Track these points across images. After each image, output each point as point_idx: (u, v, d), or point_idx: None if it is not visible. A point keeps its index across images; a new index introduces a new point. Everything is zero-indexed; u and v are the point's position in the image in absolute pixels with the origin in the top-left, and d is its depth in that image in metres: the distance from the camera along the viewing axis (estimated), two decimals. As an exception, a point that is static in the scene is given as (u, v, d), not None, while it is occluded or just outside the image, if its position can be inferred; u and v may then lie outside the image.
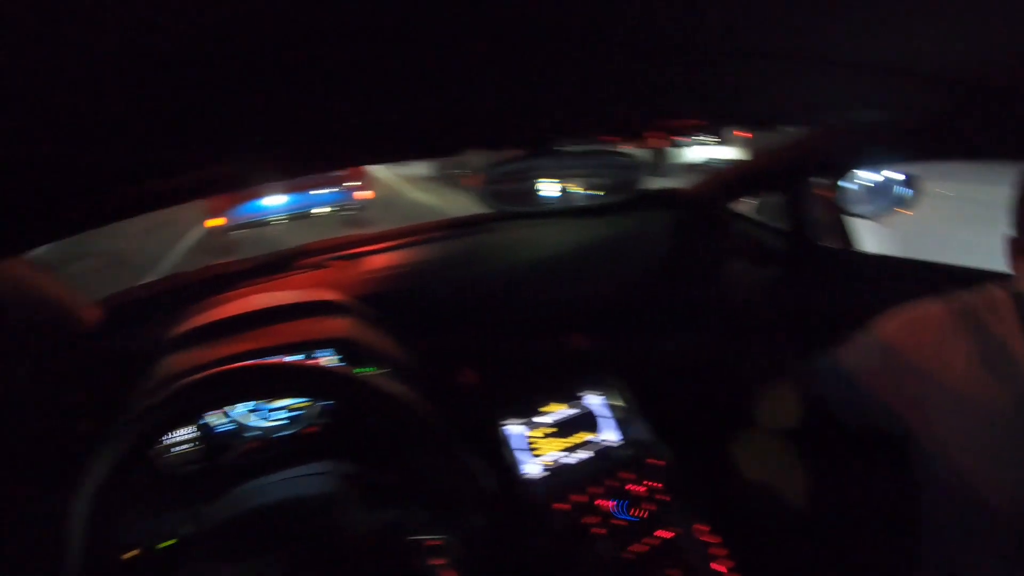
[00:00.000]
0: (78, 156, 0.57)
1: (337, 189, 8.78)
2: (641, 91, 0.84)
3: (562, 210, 1.79)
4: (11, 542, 1.26)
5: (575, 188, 1.42)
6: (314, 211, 8.84)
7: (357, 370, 1.29)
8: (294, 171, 1.04)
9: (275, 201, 8.37)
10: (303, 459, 1.13)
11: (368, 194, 9.06)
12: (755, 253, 1.86)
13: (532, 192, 1.39)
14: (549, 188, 1.41)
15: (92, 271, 7.77)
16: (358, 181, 8.94)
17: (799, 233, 1.85)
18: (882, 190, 1.83)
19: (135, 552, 1.14)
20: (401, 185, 14.64)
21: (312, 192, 8.61)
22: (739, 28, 0.62)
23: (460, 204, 11.09)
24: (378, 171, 15.51)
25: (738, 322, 1.79)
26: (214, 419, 1.31)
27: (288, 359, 1.28)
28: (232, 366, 0.72)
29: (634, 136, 1.24)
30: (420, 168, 16.24)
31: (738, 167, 1.84)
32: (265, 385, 0.74)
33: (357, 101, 0.66)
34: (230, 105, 0.56)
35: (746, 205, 2.00)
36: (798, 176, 1.82)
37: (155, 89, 0.48)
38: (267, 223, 8.51)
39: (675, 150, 9.70)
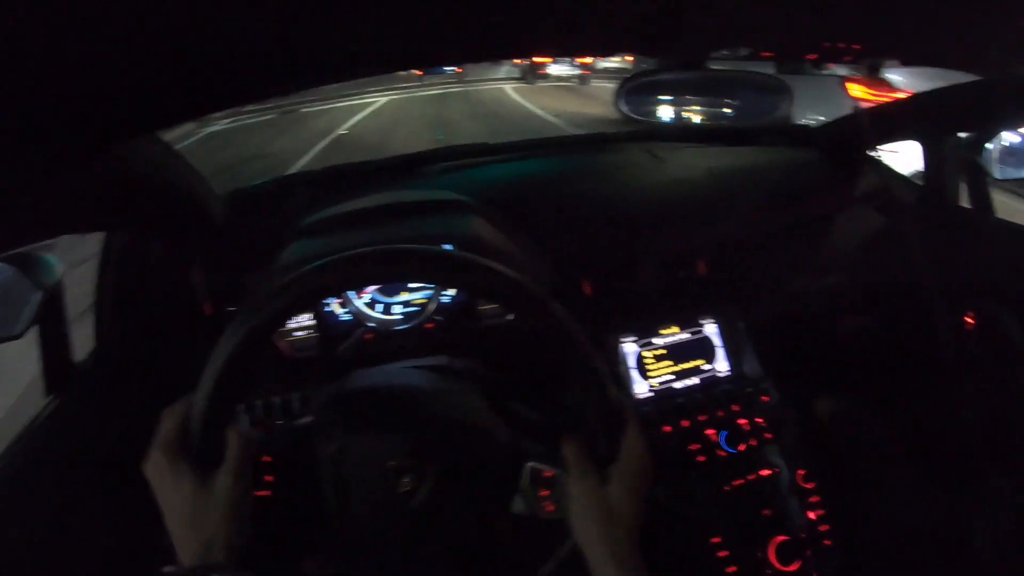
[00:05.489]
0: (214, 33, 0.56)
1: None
2: (812, 7, 0.80)
3: (696, 133, 1.74)
4: (135, 408, 1.33)
5: (711, 109, 1.38)
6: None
7: None
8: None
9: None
10: (420, 353, 1.13)
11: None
12: (886, 203, 1.79)
13: (666, 109, 1.36)
14: (685, 107, 1.38)
15: (223, 170, 8.20)
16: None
17: (934, 189, 1.76)
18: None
19: (255, 430, 1.22)
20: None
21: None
22: None
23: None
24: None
25: (861, 271, 1.73)
26: (335, 308, 1.37)
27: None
28: (362, 250, 0.71)
29: (794, 57, 1.19)
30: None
31: (880, 110, 1.74)
32: (394, 269, 0.73)
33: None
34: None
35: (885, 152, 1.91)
36: (943, 128, 1.72)
37: None
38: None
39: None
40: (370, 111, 15.69)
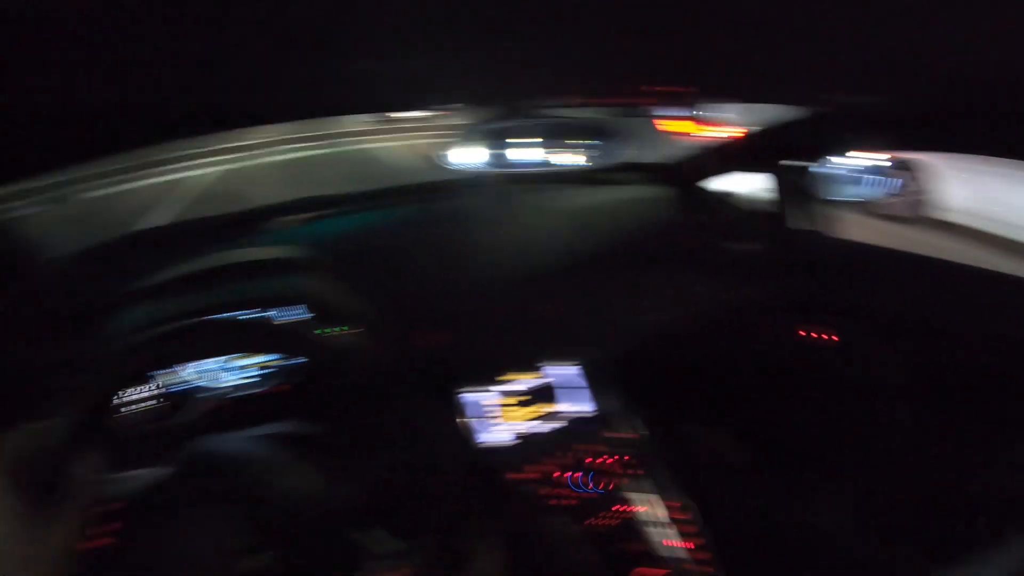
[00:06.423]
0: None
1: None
2: (631, 53, 0.81)
3: (538, 176, 1.76)
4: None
5: (554, 154, 1.39)
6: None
7: (327, 329, 1.27)
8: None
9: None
10: (271, 419, 1.09)
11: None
12: (731, 232, 1.86)
13: (509, 155, 1.36)
14: (527, 153, 1.38)
15: (72, 221, 7.64)
16: None
17: (774, 215, 1.85)
18: (866, 177, 1.82)
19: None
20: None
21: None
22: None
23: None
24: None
25: (715, 299, 1.78)
26: (172, 377, 1.29)
27: (250, 315, 1.25)
28: (189, 322, 0.71)
29: (619, 99, 1.21)
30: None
31: (719, 145, 1.82)
32: (222, 341, 0.73)
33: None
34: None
35: (727, 183, 1.99)
36: (778, 157, 1.81)
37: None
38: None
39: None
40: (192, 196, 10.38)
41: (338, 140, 15.59)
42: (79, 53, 0.49)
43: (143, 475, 0.87)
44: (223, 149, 14.20)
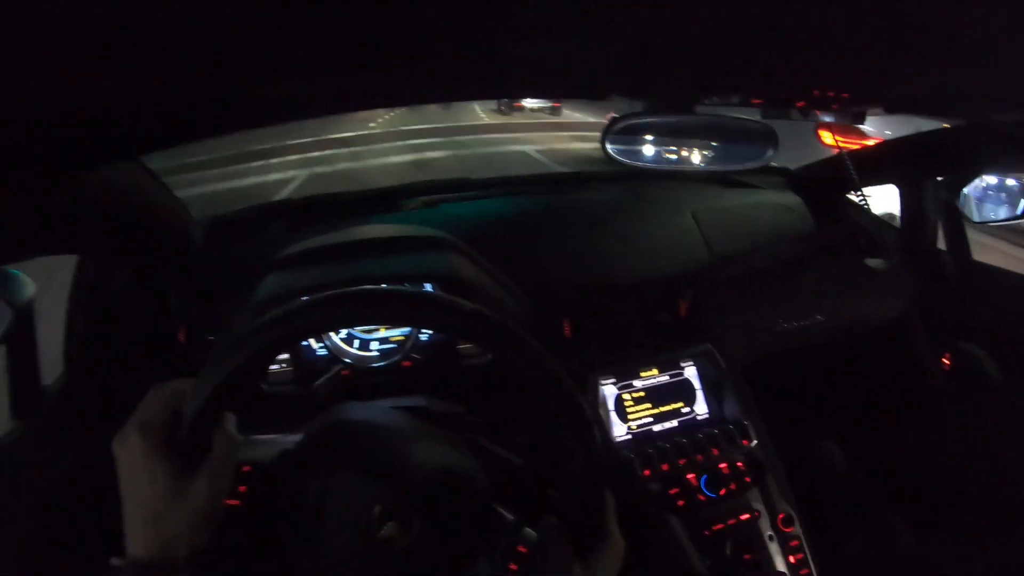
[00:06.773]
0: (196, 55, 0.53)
1: None
2: (801, 56, 0.80)
3: (676, 175, 1.74)
4: (103, 438, 1.30)
5: (696, 152, 1.38)
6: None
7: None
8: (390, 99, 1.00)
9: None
10: (397, 393, 1.11)
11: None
12: (865, 245, 1.80)
13: (650, 151, 1.36)
14: (666, 150, 1.37)
15: (206, 199, 7.97)
16: None
17: (912, 232, 1.78)
18: (1011, 197, 1.73)
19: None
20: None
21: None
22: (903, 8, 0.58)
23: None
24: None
25: (840, 313, 1.73)
26: (310, 343, 1.34)
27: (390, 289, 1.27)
28: (328, 293, 0.70)
29: (783, 104, 1.19)
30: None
31: (859, 154, 1.77)
32: (361, 312, 0.72)
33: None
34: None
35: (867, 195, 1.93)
36: (922, 172, 1.74)
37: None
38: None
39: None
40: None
41: (464, 139, 15.44)
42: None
43: (282, 439, 0.89)
44: (338, 140, 14.51)
